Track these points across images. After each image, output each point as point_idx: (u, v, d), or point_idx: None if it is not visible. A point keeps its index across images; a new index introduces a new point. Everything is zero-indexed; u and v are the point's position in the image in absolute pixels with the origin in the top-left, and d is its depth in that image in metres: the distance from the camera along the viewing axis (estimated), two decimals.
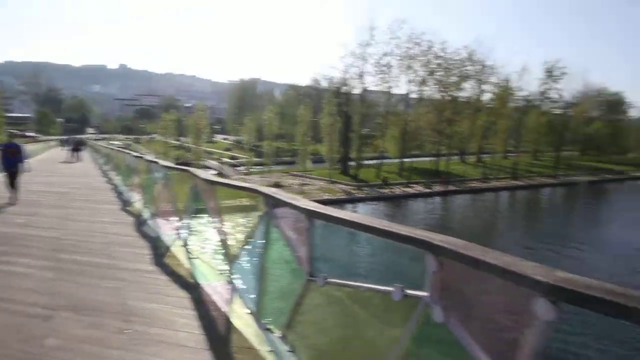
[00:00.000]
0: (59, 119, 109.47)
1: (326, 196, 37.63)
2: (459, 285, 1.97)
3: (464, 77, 59.57)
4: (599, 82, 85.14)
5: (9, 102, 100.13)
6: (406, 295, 2.21)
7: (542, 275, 1.46)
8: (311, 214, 2.91)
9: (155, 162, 9.09)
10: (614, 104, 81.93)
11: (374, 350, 2.67)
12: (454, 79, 57.75)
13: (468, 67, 60.02)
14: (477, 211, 40.62)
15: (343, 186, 42.89)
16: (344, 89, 56.01)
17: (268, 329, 3.61)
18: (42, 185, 13.94)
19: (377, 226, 2.27)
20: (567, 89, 68.05)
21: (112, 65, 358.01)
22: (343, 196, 38.89)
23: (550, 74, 63.25)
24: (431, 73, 56.37)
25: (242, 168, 58.33)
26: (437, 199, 43.11)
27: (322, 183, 43.80)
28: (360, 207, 37.38)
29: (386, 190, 42.67)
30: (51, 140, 42.81)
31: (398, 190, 43.12)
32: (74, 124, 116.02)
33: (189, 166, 8.11)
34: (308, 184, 42.27)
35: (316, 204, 3.00)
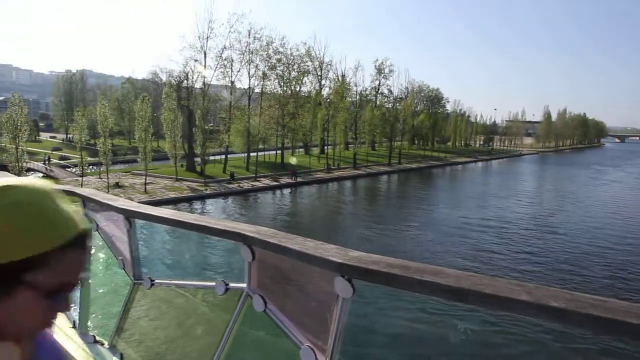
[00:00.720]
0: None
1: (172, 195, 36.15)
2: (273, 273, 2.04)
3: (304, 72, 61.92)
4: (420, 79, 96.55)
5: None
6: (228, 289, 2.22)
7: (338, 256, 1.58)
8: (129, 214, 2.76)
9: None
10: (434, 99, 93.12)
11: (203, 347, 2.64)
12: (294, 74, 59.62)
13: (307, 63, 62.52)
14: (323, 200, 42.73)
15: (189, 183, 41.60)
16: (185, 83, 54.12)
17: (96, 342, 3.34)
18: None
19: (193, 222, 2.24)
20: (395, 84, 75.29)
21: None
22: (190, 194, 37.72)
23: (380, 70, 68.99)
24: (272, 68, 57.38)
25: (75, 169, 52.91)
26: (286, 191, 44.29)
27: (167, 181, 41.95)
28: (210, 203, 36.68)
29: (234, 185, 42.49)
30: None
31: (246, 185, 43.24)
32: None
33: (6, 169, 7.08)
34: (152, 183, 40.10)
35: (135, 204, 2.85)
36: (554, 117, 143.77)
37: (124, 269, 3.07)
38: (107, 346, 3.22)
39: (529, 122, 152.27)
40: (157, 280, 2.84)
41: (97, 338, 3.37)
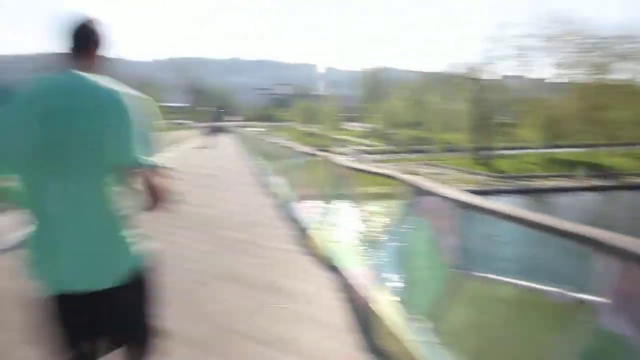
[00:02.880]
0: (207, 108, 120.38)
1: (464, 187, 36.28)
2: None
3: (620, 57, 52.58)
4: None
5: (168, 93, 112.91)
6: (570, 298, 2.03)
7: None
8: (460, 205, 2.81)
9: (295, 148, 9.53)
10: None
11: (531, 352, 2.50)
12: (609, 59, 51.26)
13: (625, 46, 52.81)
14: (636, 210, 35.94)
15: (479, 177, 40.84)
16: (480, 74, 53.06)
17: (413, 319, 3.58)
18: (193, 167, 15.49)
19: (545, 222, 2.10)
20: None
21: (252, 57, 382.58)
22: (479, 188, 37.09)
23: None
24: (580, 54, 50.71)
25: (374, 156, 58.58)
26: (588, 194, 39.01)
27: (457, 173, 42.23)
28: (499, 200, 35.37)
29: (527, 183, 39.74)
30: (199, 127, 47.04)
31: (540, 183, 39.88)
32: (220, 112, 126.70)
33: (327, 153, 8.38)
34: (442, 174, 41.06)
35: (466, 194, 2.90)
36: None
37: (446, 256, 3.16)
38: (425, 326, 3.40)
39: None
40: (480, 274, 2.82)
41: (415, 316, 3.60)
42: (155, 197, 1.72)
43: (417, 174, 38.77)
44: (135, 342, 1.88)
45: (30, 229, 1.58)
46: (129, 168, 1.62)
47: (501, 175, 42.04)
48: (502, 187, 37.99)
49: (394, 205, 4.16)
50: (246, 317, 3.67)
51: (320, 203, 6.91)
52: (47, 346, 1.65)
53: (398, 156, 53.46)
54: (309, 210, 7.56)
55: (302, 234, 6.34)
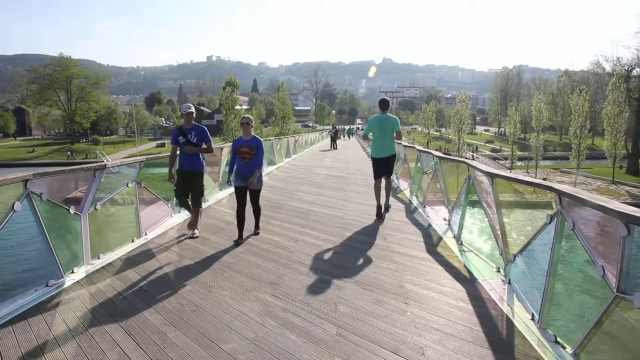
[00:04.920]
0: (333, 111, 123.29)
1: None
2: None
3: None
4: None
5: (295, 97, 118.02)
6: None
7: None
8: (631, 220, 2.49)
9: (427, 152, 9.31)
10: None
11: None
12: None
13: None
14: None
15: (629, 188, 36.36)
16: (636, 71, 47.20)
17: (557, 342, 3.28)
18: (322, 169, 15.93)
19: None
20: None
21: (378, 60, 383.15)
22: (627, 200, 33.06)
23: None
24: None
25: (504, 162, 55.32)
26: None
27: (599, 183, 38.13)
28: None
29: None
30: (325, 130, 48.35)
31: None
32: (345, 115, 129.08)
33: (455, 157, 8.09)
34: (583, 184, 37.37)
35: (635, 209, 2.55)
36: None
37: (603, 276, 2.83)
38: (571, 351, 3.09)
39: None
40: None
41: (559, 339, 3.29)
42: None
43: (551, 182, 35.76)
44: None
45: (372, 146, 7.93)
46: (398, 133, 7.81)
47: None
48: None
49: (538, 216, 3.85)
50: (375, 322, 3.65)
51: (453, 209, 6.66)
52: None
53: (532, 163, 49.80)
54: (440, 217, 7.34)
55: (434, 242, 6.16)
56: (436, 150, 50.72)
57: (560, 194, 3.43)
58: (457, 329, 3.54)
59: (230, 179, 6.50)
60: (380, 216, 7.52)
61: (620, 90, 41.52)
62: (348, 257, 5.40)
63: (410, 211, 8.30)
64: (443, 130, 75.00)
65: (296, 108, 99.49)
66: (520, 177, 4.46)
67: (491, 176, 4.83)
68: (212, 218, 7.60)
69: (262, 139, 6.41)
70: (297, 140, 25.24)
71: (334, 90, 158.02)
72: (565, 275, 3.52)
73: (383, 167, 7.67)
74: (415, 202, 9.02)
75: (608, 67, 55.56)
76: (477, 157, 56.18)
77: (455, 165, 7.02)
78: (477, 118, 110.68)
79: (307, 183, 12.01)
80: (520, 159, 55.25)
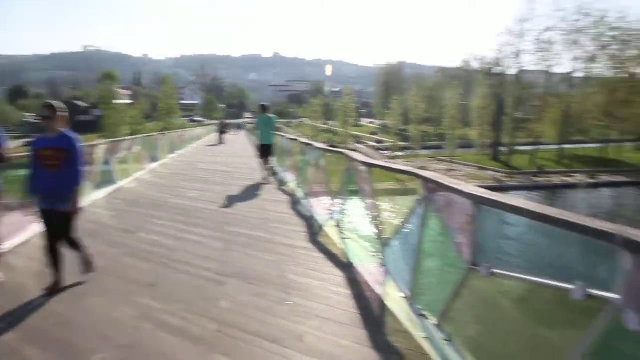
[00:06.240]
0: (222, 105, 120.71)
1: (474, 183, 35.90)
2: None
3: None
4: None
5: (181, 91, 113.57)
6: (589, 296, 1.96)
7: None
8: (478, 200, 2.75)
9: (310, 144, 9.48)
10: None
11: (543, 352, 2.44)
12: (632, 52, 50.17)
13: None
14: None
15: (493, 173, 40.45)
16: (497, 69, 52.42)
17: (422, 315, 3.55)
18: (208, 165, 15.57)
19: (560, 217, 2.04)
20: None
21: (267, 54, 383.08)
22: (492, 184, 36.71)
23: None
24: (603, 47, 49.71)
25: (387, 152, 58.40)
26: (605, 190, 38.38)
27: (469, 169, 41.90)
28: (511, 195, 34.90)
29: (542, 179, 39.21)
30: (213, 124, 47.25)
31: (556, 180, 39.28)
32: (234, 109, 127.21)
33: (342, 149, 8.34)
34: (455, 170, 40.76)
35: (483, 190, 2.83)
36: None
37: (460, 252, 3.10)
38: (434, 322, 3.36)
39: None
40: (496, 270, 2.76)
41: (424, 312, 3.57)
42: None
43: (427, 170, 38.46)
44: None
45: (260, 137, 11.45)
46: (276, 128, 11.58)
47: (516, 171, 41.55)
48: (516, 184, 37.56)
49: (409, 201, 4.11)
50: (256, 314, 3.66)
51: (335, 199, 6.87)
52: None
53: (411, 152, 53.17)
54: (323, 207, 7.53)
55: (316, 231, 6.31)
56: (324, 142, 52.11)
57: (425, 180, 3.69)
58: (335, 314, 3.67)
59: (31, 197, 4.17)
60: (265, 180, 11.05)
61: (484, 85, 45.94)
62: (231, 253, 5.33)
63: (295, 203, 8.42)
64: (331, 123, 77.21)
65: (183, 102, 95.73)
66: (392, 165, 4.72)
67: (367, 166, 5.07)
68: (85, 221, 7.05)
69: (77, 137, 4.15)
70: (182, 136, 24.36)
71: (223, 83, 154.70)
72: (431, 254, 3.81)
73: (265, 150, 11.38)
74: (300, 193, 9.16)
75: (476, 65, 61.06)
76: (361, 148, 58.64)
77: (337, 157, 7.24)
78: (363, 111, 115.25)
79: (191, 179, 11.64)
80: (402, 149, 58.76)
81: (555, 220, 2.09)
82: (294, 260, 5.03)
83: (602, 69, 51.21)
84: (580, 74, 53.84)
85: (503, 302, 2.87)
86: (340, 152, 6.83)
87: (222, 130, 31.20)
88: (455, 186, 3.04)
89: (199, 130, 35.37)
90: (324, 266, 4.83)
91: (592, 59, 50.51)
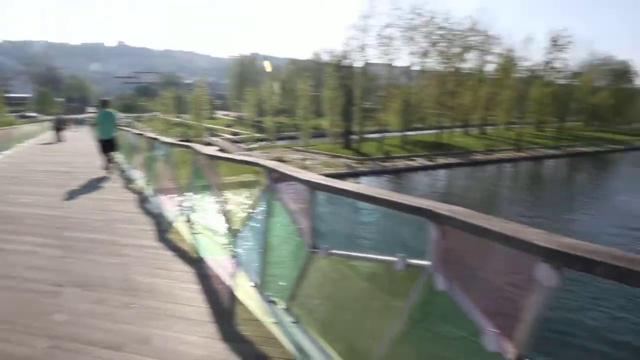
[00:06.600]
0: (59, 99, 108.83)
1: (327, 170, 37.63)
2: (462, 254, 1.96)
3: (467, 48, 58.73)
4: (605, 51, 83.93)
5: (8, 82, 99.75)
6: (409, 265, 2.21)
7: (546, 241, 1.44)
8: (313, 186, 2.90)
9: (157, 139, 9.05)
10: (621, 73, 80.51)
11: (378, 319, 2.68)
12: (457, 49, 56.93)
13: (471, 38, 59.18)
14: (480, 183, 40.59)
15: (345, 160, 42.79)
16: (345, 62, 55.33)
17: (272, 301, 3.64)
18: (43, 165, 14.00)
19: (380, 196, 2.25)
20: (573, 58, 67.29)
21: (111, 42, 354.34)
22: (345, 170, 38.86)
23: (556, 43, 62.20)
24: (433, 44, 55.55)
25: (243, 144, 58.24)
26: (441, 171, 43.05)
27: (324, 157, 43.74)
28: (363, 180, 37.38)
29: (389, 164, 42.58)
30: (49, 120, 42.42)
31: (401, 164, 42.98)
32: (75, 103, 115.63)
33: (190, 143, 8.09)
34: (310, 159, 42.23)
35: (318, 176, 2.99)
36: None
37: (302, 237, 3.25)
38: (283, 307, 3.49)
39: None
40: (333, 251, 2.95)
41: (274, 298, 3.68)
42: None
43: (285, 160, 39.28)
44: None
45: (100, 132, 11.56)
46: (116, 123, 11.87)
47: (366, 157, 44.47)
48: (366, 169, 40.27)
49: (256, 192, 4.16)
50: (97, 323, 3.42)
51: (185, 195, 6.67)
52: None
53: (268, 143, 53.75)
54: (173, 203, 7.26)
55: (165, 229, 6.07)
56: (177, 136, 50.11)
57: (268, 169, 3.77)
58: (184, 311, 3.59)
59: None
60: (110, 177, 10.61)
61: (334, 77, 48.23)
62: (69, 260, 4.87)
63: (143, 201, 7.99)
64: (185, 116, 74.34)
65: (10, 95, 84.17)
66: (235, 157, 4.74)
67: (212, 158, 5.01)
68: None
69: None
70: (9, 134, 21.48)
71: (61, 74, 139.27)
72: (278, 242, 3.91)
73: (107, 145, 11.36)
74: (148, 191, 8.72)
75: (326, 58, 63.64)
76: (216, 141, 57.66)
77: (184, 150, 7.03)
78: (218, 103, 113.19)
79: (23, 182, 10.35)
80: (258, 140, 59.06)
81: (377, 200, 2.30)
82: (140, 260, 4.78)
83: (434, 63, 57.23)
84: (417, 67, 59.45)
85: (342, 281, 3.08)
86: (187, 146, 6.64)
87: (59, 126, 28.13)
88: (293, 174, 3.16)
89: (30, 127, 31.48)
90: (172, 263, 4.68)
91: (425, 54, 56.08)
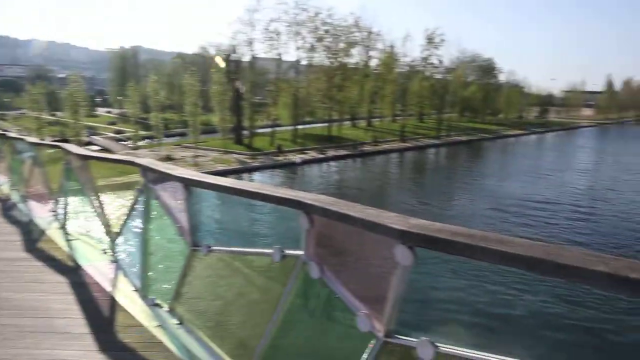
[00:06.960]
0: None
1: (220, 167, 36.92)
2: (331, 241, 2.05)
3: (352, 44, 60.85)
4: (472, 49, 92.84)
5: None
6: (285, 256, 2.26)
7: (401, 224, 1.56)
8: (188, 182, 2.84)
9: (21, 139, 8.22)
10: (487, 69, 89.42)
11: (260, 312, 2.71)
12: (342, 45, 58.71)
13: (355, 34, 61.45)
14: (370, 174, 42.46)
15: (237, 156, 42.27)
16: (233, 56, 54.43)
17: (156, 304, 3.51)
18: None
19: (252, 189, 2.27)
20: (446, 55, 72.98)
21: None
22: (238, 166, 38.40)
23: (431, 40, 66.79)
24: (319, 39, 56.72)
25: (129, 142, 54.96)
26: (332, 163, 44.28)
27: (215, 154, 42.81)
28: (257, 175, 37.24)
29: (281, 158, 42.84)
30: None
31: (293, 157, 43.49)
32: None
33: (67, 143, 7.45)
34: (201, 156, 41.08)
35: (193, 172, 2.93)
36: (617, 87, 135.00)
37: (182, 236, 3.17)
38: (167, 309, 3.38)
39: (589, 92, 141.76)
40: (214, 247, 2.92)
41: (157, 301, 3.54)
42: None
43: (175, 158, 37.88)
44: None
45: None
46: None
47: (258, 152, 44.34)
48: (259, 164, 40.19)
49: (134, 192, 3.97)
50: None
51: (58, 199, 6.15)
52: None
53: (156, 141, 51.37)
54: (45, 209, 6.67)
55: (36, 237, 5.55)
56: (53, 136, 45.90)
57: (142, 167, 3.60)
58: (59, 324, 3.33)
59: None
60: None
61: (221, 72, 47.30)
62: None
63: (8, 208, 7.22)
64: (60, 114, 67.98)
65: None
66: (108, 156, 4.48)
67: (83, 158, 4.68)
68: None
69: None
70: None
71: None
72: (158, 242, 3.77)
73: None
74: (15, 197, 7.90)
75: (213, 52, 62.08)
76: (97, 140, 53.90)
77: (54, 151, 6.48)
78: (98, 99, 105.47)
79: None
80: (144, 138, 56.14)
81: (249, 193, 2.31)
82: (6, 275, 4.33)
83: (321, 57, 58.47)
84: (304, 62, 60.33)
85: (224, 277, 3.06)
86: (56, 146, 6.12)
87: None
88: (167, 170, 3.06)
89: None
90: (43, 275, 4.30)
91: (312, 49, 57.07)
